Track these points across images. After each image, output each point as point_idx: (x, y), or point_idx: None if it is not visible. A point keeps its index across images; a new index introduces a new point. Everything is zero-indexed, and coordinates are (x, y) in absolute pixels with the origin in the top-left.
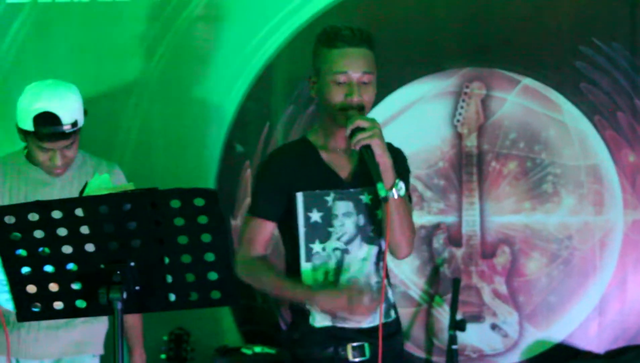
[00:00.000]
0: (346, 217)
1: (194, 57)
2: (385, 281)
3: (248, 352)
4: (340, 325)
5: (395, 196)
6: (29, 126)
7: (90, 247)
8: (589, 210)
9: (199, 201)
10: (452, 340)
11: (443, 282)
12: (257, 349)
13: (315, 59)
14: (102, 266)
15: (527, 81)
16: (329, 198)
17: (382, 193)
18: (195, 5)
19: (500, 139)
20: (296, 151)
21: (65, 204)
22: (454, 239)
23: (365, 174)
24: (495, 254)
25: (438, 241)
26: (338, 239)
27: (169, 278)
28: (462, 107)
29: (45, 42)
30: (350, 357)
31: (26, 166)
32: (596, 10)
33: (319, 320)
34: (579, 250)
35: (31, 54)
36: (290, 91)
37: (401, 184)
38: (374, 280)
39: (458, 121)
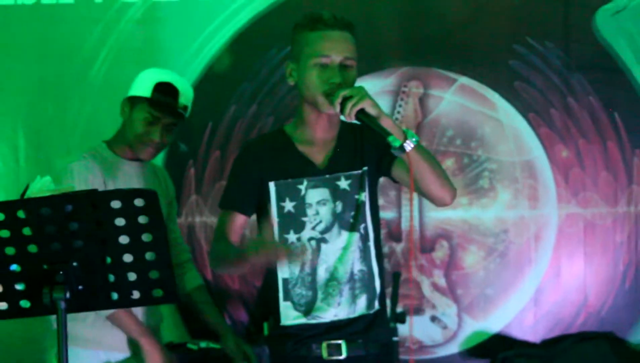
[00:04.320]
0: (321, 205)
1: (137, 59)
2: (375, 268)
3: (194, 347)
4: (314, 321)
5: (412, 146)
6: (145, 92)
7: (33, 248)
8: (524, 205)
9: (139, 202)
10: (393, 332)
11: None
12: (203, 344)
13: (295, 44)
14: (45, 266)
15: (463, 80)
16: (302, 187)
17: (396, 143)
18: (137, 8)
19: (437, 137)
20: (270, 141)
21: (7, 206)
22: (394, 234)
23: (342, 158)
24: (434, 248)
25: None
26: (313, 228)
27: (111, 277)
28: (400, 106)
29: None
30: (325, 355)
31: (117, 160)
32: (530, 10)
33: (290, 319)
34: (515, 243)
35: None
36: (231, 92)
37: (412, 132)
38: (357, 268)
39: (397, 119)
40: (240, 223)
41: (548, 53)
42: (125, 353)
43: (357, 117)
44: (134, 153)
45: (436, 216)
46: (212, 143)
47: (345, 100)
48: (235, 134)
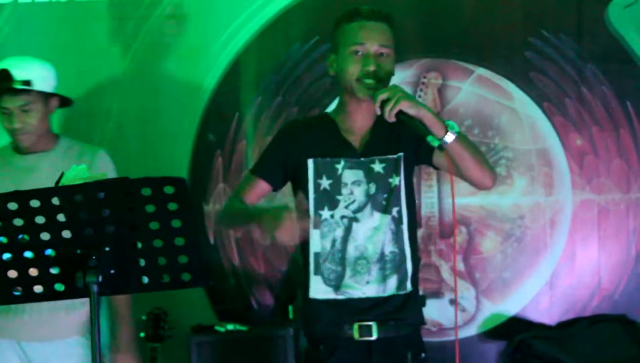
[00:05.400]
0: (355, 186)
1: (167, 53)
2: (408, 251)
3: (221, 329)
4: (342, 297)
5: (453, 137)
6: None
7: (67, 234)
8: (539, 191)
9: (169, 189)
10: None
11: None
12: (230, 326)
13: (334, 37)
14: (78, 251)
15: (481, 71)
16: (339, 166)
17: (435, 143)
18: (167, 4)
19: None
20: (315, 122)
21: (43, 194)
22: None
23: (377, 143)
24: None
25: None
26: (346, 207)
27: (142, 262)
28: (420, 96)
29: (26, 40)
30: (356, 336)
31: (12, 156)
32: (545, 4)
33: (320, 293)
34: (531, 228)
35: (13, 52)
36: (257, 84)
37: (452, 123)
38: (388, 249)
39: None
40: (262, 190)
41: (562, 45)
42: (28, 341)
43: (397, 119)
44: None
45: (455, 202)
46: (239, 133)
47: (383, 103)
48: (261, 124)
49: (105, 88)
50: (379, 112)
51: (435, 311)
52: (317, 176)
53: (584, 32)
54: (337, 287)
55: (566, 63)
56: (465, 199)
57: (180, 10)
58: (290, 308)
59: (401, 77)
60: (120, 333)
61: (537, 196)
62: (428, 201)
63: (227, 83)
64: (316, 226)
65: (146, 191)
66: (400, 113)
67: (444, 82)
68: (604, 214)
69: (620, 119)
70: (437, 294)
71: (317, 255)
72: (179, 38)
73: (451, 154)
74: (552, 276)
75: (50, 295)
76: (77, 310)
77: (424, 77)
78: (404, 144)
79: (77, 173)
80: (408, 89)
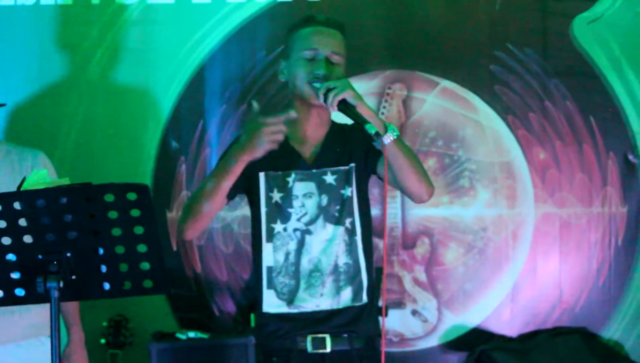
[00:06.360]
0: (306, 198)
1: (132, 59)
2: (363, 262)
3: (182, 336)
4: (296, 311)
5: (391, 139)
6: None
7: (28, 238)
8: (502, 204)
9: (132, 196)
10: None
11: None
12: (191, 334)
13: (288, 42)
14: (39, 256)
15: (446, 83)
16: (290, 179)
17: (372, 130)
18: (133, 10)
19: (420, 137)
20: None
21: (4, 198)
22: (377, 230)
23: (329, 154)
24: (415, 244)
25: None
26: (298, 220)
27: (104, 268)
28: (384, 107)
29: None
30: (310, 349)
31: None
32: (510, 18)
33: (273, 307)
34: (493, 240)
35: None
36: (222, 92)
37: (393, 126)
38: (342, 261)
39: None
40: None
41: (527, 59)
42: None
43: (338, 108)
44: None
45: (418, 213)
46: (203, 140)
47: (328, 91)
48: (225, 132)
49: (69, 94)
50: (322, 100)
51: (397, 321)
52: (269, 189)
53: (548, 46)
54: (290, 301)
55: (531, 77)
56: (428, 210)
57: (146, 16)
58: (252, 316)
59: (366, 88)
60: (72, 338)
61: (499, 208)
62: (391, 212)
63: (191, 90)
64: (269, 240)
65: (109, 197)
66: (342, 103)
67: (409, 93)
68: (566, 228)
69: (584, 134)
70: (399, 305)
71: (269, 269)
72: (145, 44)
73: (389, 156)
74: (514, 289)
75: (10, 300)
76: (32, 311)
77: (389, 89)
78: (356, 155)
79: (38, 178)
80: (373, 100)
